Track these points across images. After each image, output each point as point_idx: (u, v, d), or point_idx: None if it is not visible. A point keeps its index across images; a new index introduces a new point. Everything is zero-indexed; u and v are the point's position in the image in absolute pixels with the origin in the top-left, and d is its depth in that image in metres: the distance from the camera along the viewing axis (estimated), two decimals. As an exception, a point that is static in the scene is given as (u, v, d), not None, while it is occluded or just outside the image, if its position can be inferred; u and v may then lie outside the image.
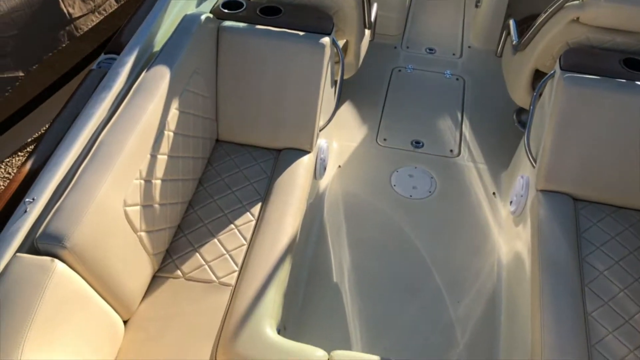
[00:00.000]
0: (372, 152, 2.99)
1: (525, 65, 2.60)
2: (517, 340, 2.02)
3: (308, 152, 2.30)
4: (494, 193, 2.78)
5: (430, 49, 3.69)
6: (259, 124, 2.29)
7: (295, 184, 2.17)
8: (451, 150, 2.99)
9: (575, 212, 2.10)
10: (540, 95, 2.43)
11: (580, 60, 2.16)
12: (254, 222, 2.05)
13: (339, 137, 3.04)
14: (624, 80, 2.09)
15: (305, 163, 2.26)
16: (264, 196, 2.14)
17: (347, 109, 3.23)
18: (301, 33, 2.26)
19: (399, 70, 3.50)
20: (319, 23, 2.31)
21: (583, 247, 1.99)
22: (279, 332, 1.96)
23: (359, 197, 2.76)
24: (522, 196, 2.36)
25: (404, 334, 2.25)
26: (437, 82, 3.43)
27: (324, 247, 2.54)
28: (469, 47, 3.70)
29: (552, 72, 2.24)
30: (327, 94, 2.44)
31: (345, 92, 3.30)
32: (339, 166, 2.90)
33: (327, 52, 2.24)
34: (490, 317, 2.29)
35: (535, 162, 2.25)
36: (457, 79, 3.45)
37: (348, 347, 2.19)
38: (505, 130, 3.10)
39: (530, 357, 1.80)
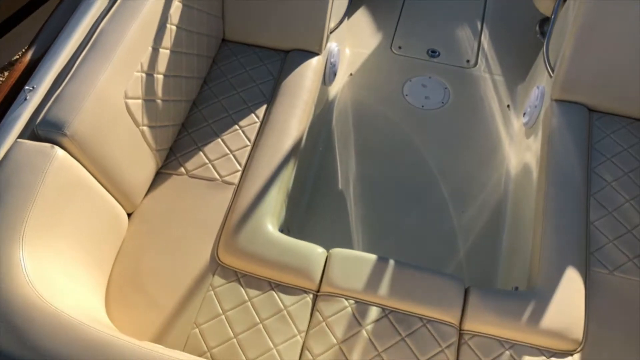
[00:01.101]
0: (385, 60, 2.89)
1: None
2: (519, 248, 2.03)
3: (317, 54, 2.23)
4: (508, 105, 2.70)
5: None
6: (266, 23, 2.21)
7: (303, 87, 2.12)
8: (467, 61, 2.88)
9: (590, 122, 2.04)
10: (565, 1, 2.29)
11: None
12: (258, 124, 2.03)
13: (352, 43, 2.94)
14: None
15: (313, 65, 2.20)
16: (270, 98, 2.10)
17: (361, 14, 3.10)
18: None
19: None
20: None
21: (593, 158, 1.94)
22: (281, 232, 1.99)
23: (369, 106, 2.70)
24: (536, 107, 2.29)
25: (406, 239, 2.27)
26: (458, -12, 3.25)
27: (331, 155, 2.53)
28: None
29: None
30: None
31: (360, -4, 3.15)
32: (351, 74, 2.82)
33: None
34: (494, 227, 2.29)
35: (552, 71, 2.15)
36: None
37: (349, 248, 2.23)
38: (526, 42, 2.96)
39: (529, 263, 1.82)
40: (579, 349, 1.55)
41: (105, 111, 1.57)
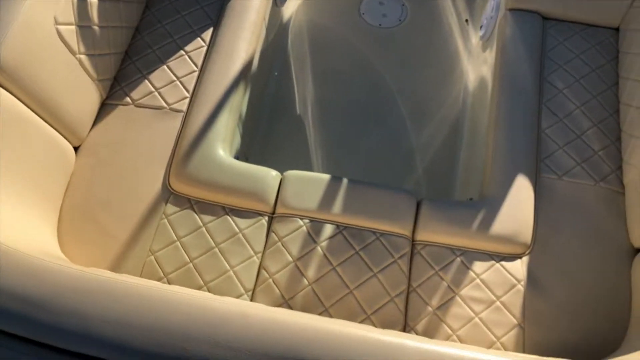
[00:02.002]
0: (341, -22, 2.78)
1: None
2: (475, 161, 2.05)
3: None
4: (466, 20, 2.64)
5: None
6: None
7: (250, 7, 2.03)
8: (425, -25, 2.79)
9: (543, 30, 2.01)
10: None
11: None
12: (205, 48, 1.96)
13: None
14: None
15: None
16: (216, 20, 2.02)
17: None
18: None
19: None
20: None
21: (546, 66, 1.92)
22: (237, 159, 1.97)
23: (326, 27, 2.62)
24: (492, 18, 2.24)
25: (365, 159, 2.28)
26: None
27: (288, 80, 2.47)
28: None
29: None
30: None
31: None
32: (304, -6, 2.72)
33: None
34: (452, 143, 2.31)
35: None
36: None
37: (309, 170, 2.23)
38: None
39: (482, 175, 1.84)
40: (527, 252, 1.60)
41: (35, 38, 1.49)
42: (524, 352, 1.49)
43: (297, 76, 2.48)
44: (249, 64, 1.95)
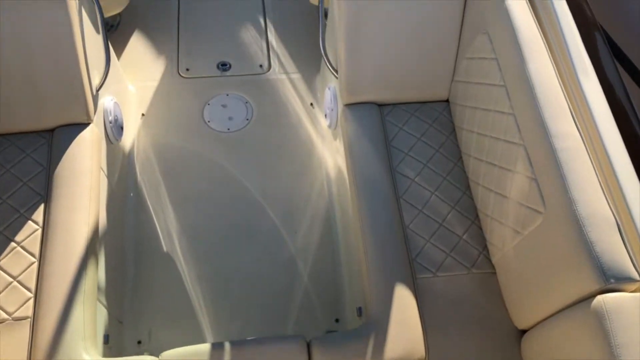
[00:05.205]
0: (176, 87, 2.68)
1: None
2: (353, 262, 2.03)
3: (88, 124, 1.97)
4: (311, 104, 2.65)
5: None
6: (16, 103, 1.89)
7: (81, 169, 1.86)
8: (261, 65, 2.77)
9: (382, 119, 2.05)
10: None
11: None
12: (39, 231, 1.76)
13: (135, 77, 2.68)
14: None
15: (88, 139, 1.94)
16: (46, 194, 1.83)
17: (136, 42, 2.82)
18: None
19: None
20: None
21: (393, 157, 1.96)
22: (107, 339, 1.79)
23: (173, 146, 2.50)
24: (332, 110, 2.26)
25: (248, 281, 2.18)
26: (232, -15, 3.08)
27: (146, 215, 2.32)
28: None
29: None
30: (95, 44, 2.04)
31: (129, 22, 2.86)
32: (143, 114, 2.58)
33: (72, 2, 1.82)
34: (328, 239, 2.28)
35: (336, 72, 2.12)
36: None
37: (193, 315, 2.10)
38: (314, 28, 2.91)
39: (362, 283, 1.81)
40: None
41: None
42: None
43: (155, 209, 2.34)
44: (94, 237, 1.78)
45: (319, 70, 2.72)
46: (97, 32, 2.11)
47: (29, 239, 1.74)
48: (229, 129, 2.56)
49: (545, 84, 1.56)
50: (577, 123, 1.50)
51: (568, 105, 1.53)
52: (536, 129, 1.51)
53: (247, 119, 2.59)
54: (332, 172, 2.41)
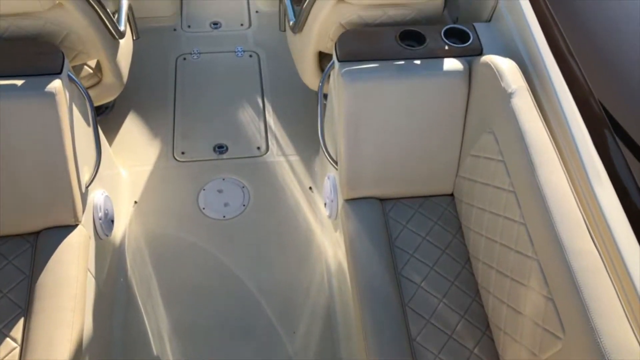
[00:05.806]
0: (170, 172, 2.60)
1: (307, 47, 2.31)
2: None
3: (76, 225, 1.87)
4: (310, 188, 2.57)
5: (215, 23, 3.26)
6: None
7: (66, 276, 1.75)
8: (258, 148, 2.70)
9: (385, 216, 1.95)
10: (328, 81, 2.19)
11: (356, 46, 1.91)
12: (18, 349, 1.63)
13: (127, 163, 2.60)
14: (402, 62, 1.88)
15: (74, 242, 1.83)
16: (26, 306, 1.71)
17: (130, 124, 2.76)
18: (19, 82, 1.75)
19: (184, 59, 3.06)
20: (42, 61, 1.80)
21: (398, 259, 1.85)
22: None
23: (166, 236, 2.40)
24: (332, 201, 2.17)
25: (244, 389, 2.04)
26: (229, 64, 3.05)
27: (135, 313, 2.19)
28: (257, 12, 3.33)
29: (331, 63, 1.98)
30: (85, 138, 1.97)
31: (124, 104, 2.81)
32: (135, 202, 2.49)
33: (61, 98, 1.76)
34: (328, 340, 2.14)
35: (336, 163, 2.04)
36: (250, 56, 3.09)
37: None
38: (313, 108, 2.86)
39: None
40: None
41: None
42: None
43: (145, 304, 2.21)
44: (77, 348, 1.64)
45: (318, 152, 2.65)
46: (88, 125, 2.04)
47: (6, 359, 1.61)
48: (224, 217, 2.46)
49: (557, 194, 1.46)
50: (595, 239, 1.40)
51: (583, 217, 1.44)
52: (550, 245, 1.41)
53: (244, 205, 2.50)
54: (333, 265, 2.30)
